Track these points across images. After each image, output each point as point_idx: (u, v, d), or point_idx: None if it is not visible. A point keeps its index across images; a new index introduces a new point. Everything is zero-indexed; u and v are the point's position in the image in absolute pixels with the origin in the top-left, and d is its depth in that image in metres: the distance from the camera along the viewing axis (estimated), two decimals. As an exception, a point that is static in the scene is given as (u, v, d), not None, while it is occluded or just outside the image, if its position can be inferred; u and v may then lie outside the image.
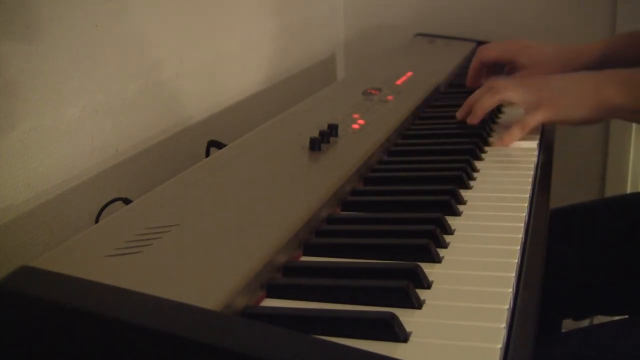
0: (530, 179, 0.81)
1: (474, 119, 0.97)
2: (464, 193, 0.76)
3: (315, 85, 1.48)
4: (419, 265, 0.57)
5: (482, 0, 1.67)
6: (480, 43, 1.45)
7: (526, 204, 0.73)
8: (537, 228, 0.70)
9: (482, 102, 0.96)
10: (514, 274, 0.57)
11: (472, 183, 0.80)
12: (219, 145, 0.93)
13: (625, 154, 1.62)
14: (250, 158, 0.79)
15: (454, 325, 0.50)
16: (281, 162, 0.78)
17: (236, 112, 1.25)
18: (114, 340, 0.44)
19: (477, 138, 0.93)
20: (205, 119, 1.15)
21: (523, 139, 0.94)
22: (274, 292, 0.55)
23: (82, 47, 0.86)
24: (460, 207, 0.72)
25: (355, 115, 0.96)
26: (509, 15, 1.65)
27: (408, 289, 0.53)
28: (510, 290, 0.55)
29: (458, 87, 1.24)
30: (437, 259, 0.60)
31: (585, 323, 1.28)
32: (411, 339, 0.48)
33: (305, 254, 0.63)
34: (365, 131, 0.90)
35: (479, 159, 0.88)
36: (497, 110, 1.09)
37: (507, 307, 0.52)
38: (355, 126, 0.91)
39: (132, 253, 0.54)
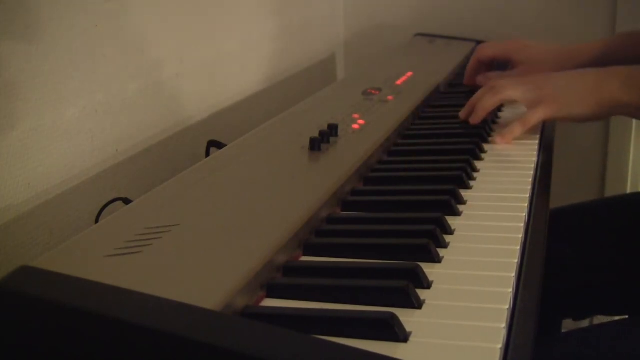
0: (530, 179, 0.81)
1: (475, 119, 0.97)
2: (464, 193, 0.76)
3: (315, 85, 1.48)
4: (419, 265, 0.57)
5: (482, 0, 1.67)
6: (480, 43, 1.45)
7: (526, 204, 0.73)
8: (537, 228, 0.70)
9: (483, 102, 0.97)
10: (514, 274, 0.57)
11: (472, 183, 0.80)
12: (219, 145, 0.93)
13: (625, 154, 1.62)
14: (250, 158, 0.79)
15: (454, 325, 0.50)
16: (281, 162, 0.78)
17: (236, 112, 1.25)
18: (114, 340, 0.44)
19: (477, 138, 0.93)
20: (205, 119, 1.15)
21: (523, 138, 0.94)
22: (274, 292, 0.55)
23: (82, 47, 0.86)
24: (460, 207, 0.72)
25: (355, 115, 0.96)
26: (509, 15, 1.65)
27: (408, 289, 0.53)
28: (510, 290, 0.55)
29: (458, 87, 1.24)
30: (437, 259, 0.60)
31: (585, 323, 1.28)
32: (411, 339, 0.48)
33: (305, 254, 0.63)
34: (365, 131, 0.90)
35: (479, 159, 0.88)
36: (498, 110, 1.09)
37: (507, 307, 0.52)
38: (355, 126, 0.91)
39: (132, 253, 0.54)
